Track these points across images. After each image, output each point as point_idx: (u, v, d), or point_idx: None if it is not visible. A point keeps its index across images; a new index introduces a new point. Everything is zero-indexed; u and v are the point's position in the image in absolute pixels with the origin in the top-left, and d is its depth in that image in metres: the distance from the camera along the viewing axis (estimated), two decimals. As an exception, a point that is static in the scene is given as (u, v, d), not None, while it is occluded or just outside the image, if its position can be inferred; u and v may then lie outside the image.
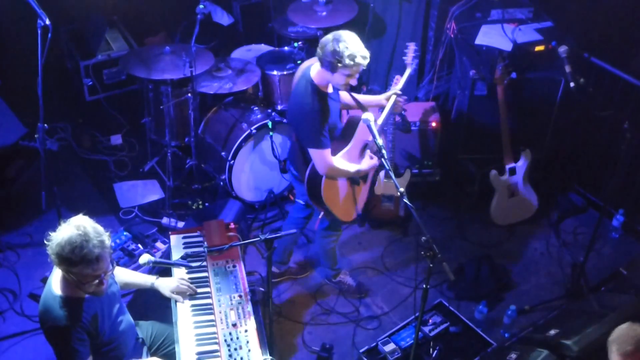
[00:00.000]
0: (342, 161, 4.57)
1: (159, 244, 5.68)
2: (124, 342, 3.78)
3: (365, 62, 4.23)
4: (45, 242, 3.29)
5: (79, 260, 3.23)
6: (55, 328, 3.41)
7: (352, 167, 4.61)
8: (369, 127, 4.15)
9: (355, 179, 4.82)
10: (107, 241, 3.35)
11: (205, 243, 4.24)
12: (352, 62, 4.17)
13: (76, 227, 3.27)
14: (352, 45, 4.18)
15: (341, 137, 4.69)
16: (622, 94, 5.70)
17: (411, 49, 5.18)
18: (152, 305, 4.16)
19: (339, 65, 4.19)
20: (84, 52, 6.81)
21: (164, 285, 4.10)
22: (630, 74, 5.57)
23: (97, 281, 3.36)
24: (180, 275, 4.18)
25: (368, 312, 5.38)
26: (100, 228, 3.36)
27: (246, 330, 3.81)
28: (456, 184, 6.49)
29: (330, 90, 4.48)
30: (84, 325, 3.44)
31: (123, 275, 4.09)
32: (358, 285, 5.49)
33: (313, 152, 4.42)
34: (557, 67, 5.59)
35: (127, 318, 3.88)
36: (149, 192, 6.36)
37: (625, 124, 4.86)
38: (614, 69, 5.64)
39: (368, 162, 4.70)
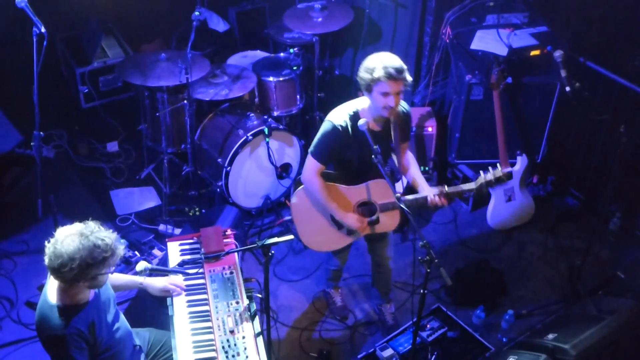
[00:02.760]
0: (326, 189, 4.44)
1: (155, 251, 5.68)
2: (121, 350, 3.77)
3: (400, 75, 4.10)
4: (54, 269, 3.26)
5: (110, 255, 3.30)
6: (53, 337, 3.39)
7: (328, 200, 4.45)
8: (364, 132, 4.14)
9: (337, 222, 4.65)
10: (104, 228, 3.39)
11: (202, 250, 4.24)
12: (382, 73, 4.07)
13: (79, 234, 3.27)
14: (383, 59, 4.12)
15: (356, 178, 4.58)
16: (618, 97, 5.71)
17: None
18: (150, 312, 4.16)
19: (372, 81, 4.12)
20: (80, 59, 6.81)
21: (152, 284, 4.10)
22: (625, 78, 5.58)
23: (111, 268, 3.40)
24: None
25: (366, 317, 5.38)
26: (90, 224, 3.37)
27: (244, 337, 3.80)
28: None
29: (372, 122, 4.34)
30: (81, 333, 3.43)
31: (112, 278, 4.07)
32: (342, 307, 5.39)
33: (309, 157, 4.44)
34: (553, 72, 5.63)
35: (124, 325, 3.87)
36: (146, 199, 6.36)
37: (621, 128, 4.88)
38: (610, 73, 5.66)
39: (352, 217, 4.51)
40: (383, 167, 4.05)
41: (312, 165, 4.41)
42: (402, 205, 3.89)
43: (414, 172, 4.62)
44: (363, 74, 4.17)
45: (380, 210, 4.52)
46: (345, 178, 4.54)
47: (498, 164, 4.46)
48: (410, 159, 4.67)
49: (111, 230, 3.41)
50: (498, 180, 4.37)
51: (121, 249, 3.42)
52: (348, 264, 5.40)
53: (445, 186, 4.39)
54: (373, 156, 4.07)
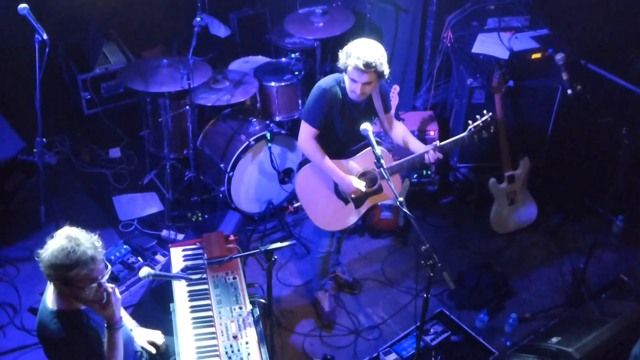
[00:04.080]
0: (322, 151, 4.53)
1: (158, 257, 5.68)
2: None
3: (368, 69, 4.20)
4: (36, 258, 3.28)
5: (75, 263, 3.23)
6: (53, 342, 3.39)
7: (326, 162, 4.53)
8: (367, 136, 4.16)
9: (340, 193, 4.71)
10: (98, 243, 3.36)
11: (205, 255, 4.24)
12: (353, 62, 4.20)
13: (66, 237, 3.28)
14: (361, 48, 4.23)
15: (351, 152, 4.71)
16: (620, 100, 5.71)
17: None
18: (153, 318, 4.15)
19: (344, 65, 4.28)
20: (82, 66, 6.82)
21: (141, 335, 4.04)
22: (627, 81, 5.58)
23: (95, 284, 3.34)
24: (180, 291, 4.17)
25: (369, 322, 5.37)
26: (89, 234, 3.37)
27: (247, 342, 3.80)
28: (455, 193, 6.49)
29: (353, 96, 4.44)
30: (85, 336, 3.43)
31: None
32: (330, 312, 5.35)
33: (302, 123, 4.56)
34: (554, 75, 5.63)
35: (125, 331, 3.86)
36: (148, 204, 6.36)
37: (623, 130, 4.88)
38: (611, 76, 5.65)
39: (350, 179, 4.57)
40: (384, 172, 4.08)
41: (306, 130, 4.52)
42: (405, 211, 3.87)
43: (403, 133, 4.73)
44: (341, 55, 4.31)
45: (380, 177, 4.55)
46: (331, 153, 4.59)
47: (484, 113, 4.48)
48: (397, 124, 4.78)
49: (99, 250, 3.34)
50: (486, 126, 4.41)
51: (94, 268, 3.30)
52: (351, 268, 5.40)
53: (438, 141, 4.45)
54: (375, 160, 4.11)
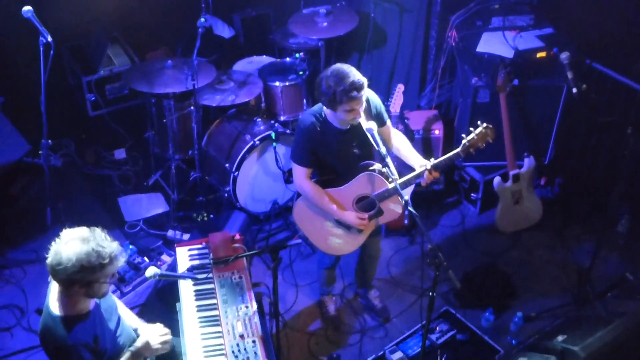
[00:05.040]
0: (319, 190, 4.45)
1: (164, 257, 5.70)
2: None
3: (361, 93, 4.06)
4: (52, 267, 3.27)
5: (109, 261, 3.30)
6: (59, 348, 3.39)
7: (324, 202, 4.45)
8: (372, 136, 4.15)
9: (342, 223, 4.59)
10: (104, 234, 3.40)
11: (211, 255, 4.26)
12: (344, 97, 4.05)
13: (81, 239, 3.28)
14: (342, 78, 4.05)
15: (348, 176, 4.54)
16: (625, 99, 5.70)
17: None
18: (159, 318, 4.15)
19: (334, 102, 4.11)
20: (86, 68, 6.83)
21: (146, 334, 3.96)
22: (632, 80, 5.57)
23: (110, 279, 3.40)
24: (186, 291, 4.18)
25: (375, 320, 5.38)
26: (97, 230, 3.39)
27: (253, 341, 3.81)
28: (460, 192, 6.49)
29: (340, 125, 4.35)
30: (86, 344, 3.43)
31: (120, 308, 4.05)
32: (335, 317, 5.37)
33: (293, 165, 4.49)
34: (559, 74, 5.62)
35: (127, 332, 3.86)
36: (154, 205, 6.38)
37: (628, 130, 4.87)
38: (617, 75, 5.65)
39: (350, 215, 4.48)
40: (389, 167, 4.08)
41: (298, 171, 4.46)
42: (410, 210, 3.89)
43: (401, 146, 4.59)
44: (324, 94, 4.14)
45: (378, 200, 4.47)
46: (333, 182, 4.53)
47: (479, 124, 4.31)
48: (395, 136, 4.63)
49: (117, 242, 3.42)
50: (481, 137, 4.25)
51: (121, 260, 3.41)
52: (352, 267, 5.40)
53: (432, 159, 4.31)
54: (381, 159, 4.13)
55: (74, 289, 3.33)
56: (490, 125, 4.27)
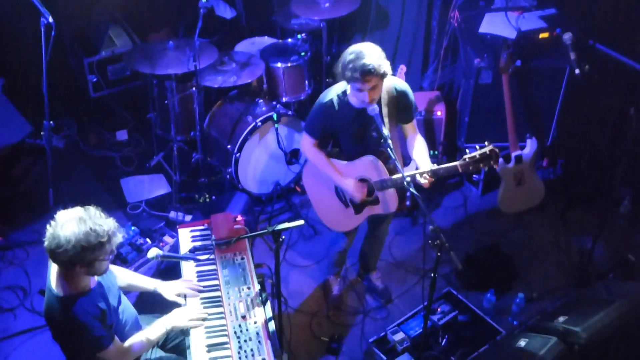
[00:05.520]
0: (324, 156, 4.51)
1: (166, 238, 5.70)
2: (128, 334, 3.79)
3: (371, 74, 4.02)
4: (51, 250, 3.28)
5: (107, 240, 3.32)
6: (69, 328, 3.41)
7: (326, 165, 4.50)
8: (375, 116, 4.14)
9: (340, 196, 4.68)
10: (99, 211, 3.42)
11: (213, 236, 4.26)
12: (354, 73, 4.03)
13: (78, 219, 3.30)
14: (358, 55, 4.05)
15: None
16: (628, 80, 5.68)
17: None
18: (161, 300, 4.17)
19: (345, 78, 4.14)
20: (88, 49, 6.82)
21: (167, 289, 4.08)
22: (635, 61, 5.55)
23: (109, 256, 3.43)
24: (188, 272, 4.19)
25: (376, 302, 5.40)
26: (91, 209, 3.40)
27: (255, 322, 3.82)
28: (463, 173, 6.49)
29: (356, 104, 4.31)
30: (94, 313, 3.46)
31: (127, 277, 4.08)
32: (337, 297, 5.39)
33: (303, 132, 4.56)
34: (562, 55, 5.59)
35: (128, 309, 3.90)
36: (156, 186, 6.38)
37: (631, 111, 4.86)
38: (619, 56, 5.62)
39: (353, 184, 4.48)
40: (392, 152, 4.07)
41: (306, 140, 4.54)
42: (412, 191, 3.90)
43: (416, 147, 4.52)
44: (339, 69, 4.17)
45: (377, 188, 4.49)
46: (345, 157, 4.56)
47: (486, 144, 4.32)
48: (416, 138, 4.55)
49: (112, 219, 3.43)
50: (485, 159, 4.26)
51: (119, 236, 3.43)
52: (354, 248, 5.41)
53: (436, 164, 4.30)
54: (382, 140, 4.13)
55: (75, 270, 3.35)
56: (497, 150, 4.27)
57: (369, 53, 4.06)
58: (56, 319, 3.45)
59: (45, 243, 3.31)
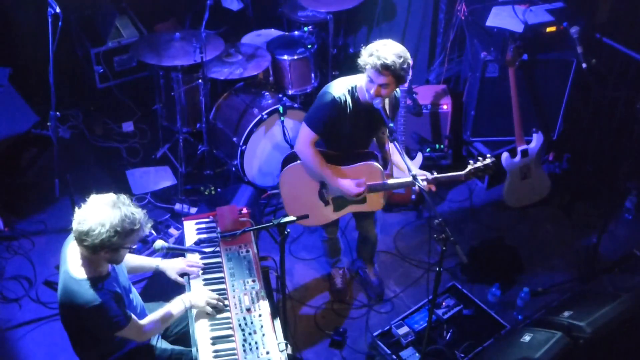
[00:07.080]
0: (320, 156, 4.44)
1: (172, 230, 5.72)
2: (139, 318, 3.80)
3: (385, 71, 4.04)
4: (81, 232, 3.30)
5: (138, 229, 3.40)
6: (92, 309, 3.40)
7: (323, 167, 4.44)
8: (380, 110, 4.13)
9: (323, 196, 4.68)
10: (135, 204, 3.50)
11: (218, 228, 4.26)
12: (372, 62, 4.06)
13: (110, 204, 3.35)
14: (382, 49, 4.08)
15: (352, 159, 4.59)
16: (635, 74, 5.66)
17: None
18: (166, 291, 4.18)
19: (364, 64, 4.14)
20: (95, 39, 6.81)
21: (170, 266, 4.12)
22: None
23: (133, 245, 3.50)
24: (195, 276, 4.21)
25: (371, 294, 5.39)
26: (122, 196, 3.47)
27: (260, 315, 3.82)
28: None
29: (367, 95, 4.28)
30: (114, 292, 3.51)
31: (128, 259, 4.09)
32: (341, 290, 5.38)
33: (303, 126, 4.42)
34: (569, 48, 5.58)
35: (137, 296, 3.95)
36: (161, 178, 6.38)
37: (637, 105, 4.85)
38: (626, 49, 5.60)
39: (349, 183, 4.47)
40: (398, 146, 4.07)
41: (306, 134, 4.40)
42: (418, 184, 3.90)
43: (392, 157, 4.66)
44: (364, 52, 4.18)
45: (368, 190, 4.51)
46: (334, 156, 4.53)
47: (488, 156, 4.48)
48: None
49: (141, 208, 3.48)
50: (486, 169, 4.43)
51: (148, 226, 3.51)
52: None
53: (435, 172, 4.44)
54: (388, 134, 4.10)
55: (100, 254, 3.39)
56: (495, 161, 4.48)
57: (398, 53, 4.10)
58: (76, 302, 3.43)
59: (75, 225, 3.34)
